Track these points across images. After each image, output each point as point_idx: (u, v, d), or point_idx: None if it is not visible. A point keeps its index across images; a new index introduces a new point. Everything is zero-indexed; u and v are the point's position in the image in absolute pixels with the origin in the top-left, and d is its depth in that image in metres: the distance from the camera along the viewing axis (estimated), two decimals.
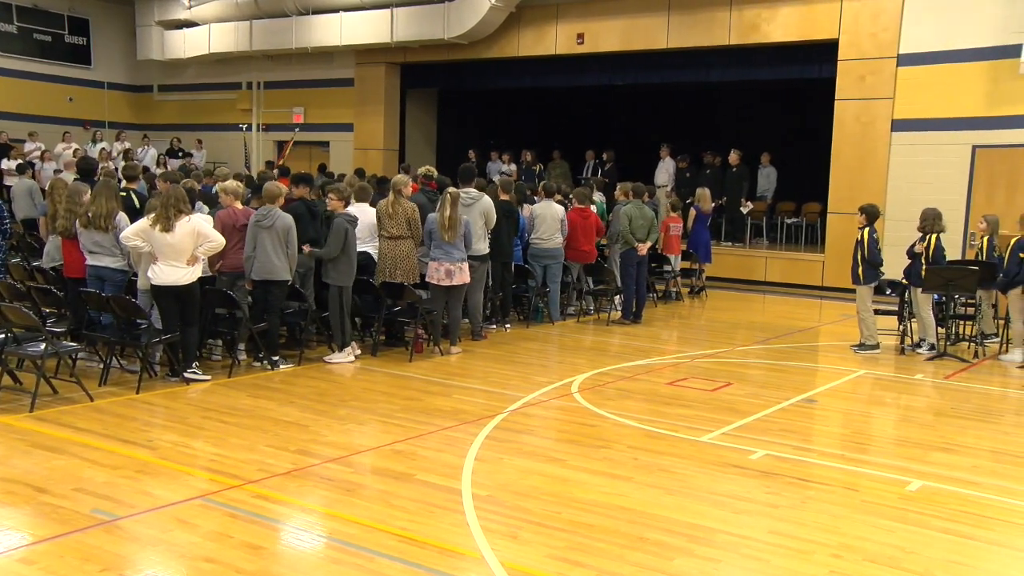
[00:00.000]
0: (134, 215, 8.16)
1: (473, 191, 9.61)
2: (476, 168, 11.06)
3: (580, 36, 16.54)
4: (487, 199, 9.64)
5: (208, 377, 7.67)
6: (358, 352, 8.65)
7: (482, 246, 9.49)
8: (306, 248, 8.33)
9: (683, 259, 13.40)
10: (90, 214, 7.74)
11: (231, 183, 8.60)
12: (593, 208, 11.54)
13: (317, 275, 8.73)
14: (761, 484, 5.42)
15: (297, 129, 19.43)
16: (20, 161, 16.04)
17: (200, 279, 7.56)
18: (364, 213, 9.05)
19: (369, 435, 6.35)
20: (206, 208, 8.81)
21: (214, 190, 9.78)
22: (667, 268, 12.96)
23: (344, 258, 8.31)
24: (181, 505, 4.85)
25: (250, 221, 7.96)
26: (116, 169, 13.54)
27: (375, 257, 9.09)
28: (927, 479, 5.60)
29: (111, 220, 7.73)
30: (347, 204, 8.85)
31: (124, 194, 8.63)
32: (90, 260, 7.91)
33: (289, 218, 7.94)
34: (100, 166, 12.78)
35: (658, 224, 11.43)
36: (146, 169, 15.43)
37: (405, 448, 5.98)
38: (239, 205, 8.27)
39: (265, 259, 7.88)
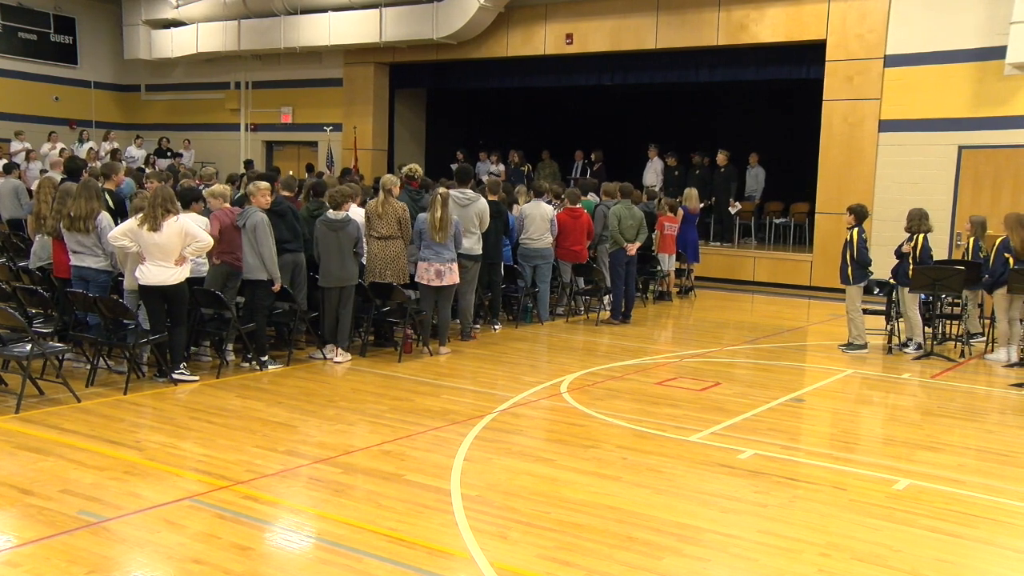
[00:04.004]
0: (111, 214, 8.14)
1: (469, 192, 9.64)
2: (471, 169, 11.05)
3: (569, 36, 16.56)
4: (483, 201, 9.65)
5: (196, 378, 7.64)
6: (331, 356, 8.63)
7: (475, 247, 9.50)
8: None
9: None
10: (71, 215, 7.70)
11: (218, 187, 8.61)
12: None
13: (309, 275, 8.72)
14: (749, 483, 5.44)
15: (329, 129, 19.39)
16: (6, 161, 15.92)
17: (188, 279, 7.53)
18: (351, 213, 9.01)
19: (358, 435, 6.33)
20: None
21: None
22: (657, 268, 12.98)
23: (323, 259, 8.38)
24: (169, 506, 4.83)
25: None
26: None
27: (363, 258, 9.05)
28: (914, 478, 5.63)
29: (91, 221, 7.69)
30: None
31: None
32: (74, 260, 7.87)
33: (258, 217, 7.92)
34: (88, 166, 12.71)
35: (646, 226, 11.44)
36: (141, 170, 15.37)
37: (394, 448, 5.97)
38: (227, 205, 8.25)
39: (245, 259, 7.93)
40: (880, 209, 13.43)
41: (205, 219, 7.97)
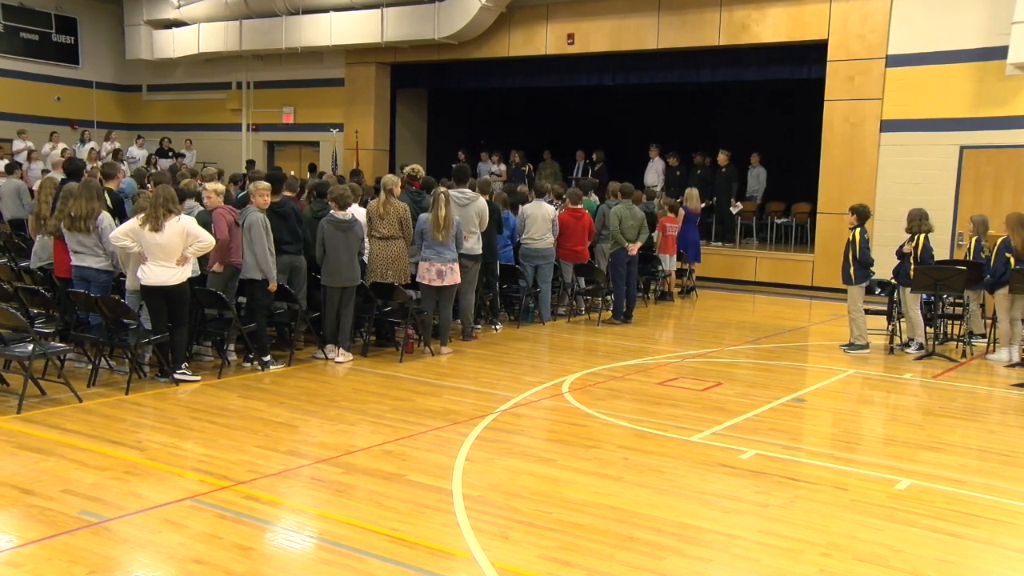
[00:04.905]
0: (110, 214, 8.16)
1: (469, 191, 9.64)
2: (469, 168, 11.06)
3: (570, 36, 16.55)
4: (482, 200, 9.66)
5: (198, 378, 7.64)
6: (333, 356, 8.63)
7: (475, 246, 9.50)
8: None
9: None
10: (72, 214, 7.70)
11: (216, 183, 8.61)
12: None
13: (310, 276, 8.71)
14: (751, 483, 5.44)
15: (335, 131, 19.41)
16: (8, 161, 15.94)
17: (190, 279, 7.53)
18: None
19: (359, 436, 6.34)
20: (198, 207, 8.76)
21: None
22: (660, 268, 12.98)
23: (330, 259, 8.36)
24: (170, 506, 4.84)
25: None
26: None
27: (364, 258, 9.06)
28: (915, 478, 5.63)
29: (92, 220, 7.70)
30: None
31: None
32: (74, 260, 7.88)
33: (254, 217, 7.93)
34: (89, 167, 12.71)
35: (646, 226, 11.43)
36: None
37: (395, 448, 5.97)
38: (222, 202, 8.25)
39: (245, 257, 7.96)
40: (882, 209, 13.43)
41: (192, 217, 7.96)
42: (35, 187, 10.41)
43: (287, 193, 9.08)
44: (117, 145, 19.29)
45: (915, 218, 9.58)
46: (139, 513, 4.73)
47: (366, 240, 8.90)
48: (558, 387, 7.83)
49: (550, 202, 11.37)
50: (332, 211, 8.50)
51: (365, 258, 8.95)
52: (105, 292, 7.81)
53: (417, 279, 9.02)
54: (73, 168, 9.41)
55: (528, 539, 4.52)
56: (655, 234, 12.69)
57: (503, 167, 18.01)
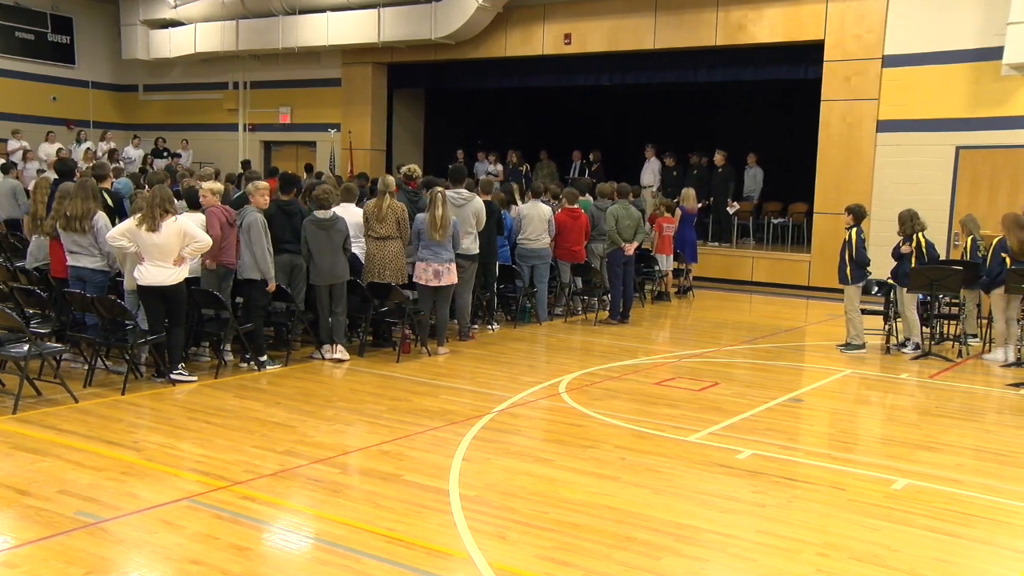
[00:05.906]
0: (110, 214, 8.14)
1: (465, 192, 9.64)
2: (465, 169, 11.07)
3: (567, 36, 16.56)
4: (479, 200, 9.66)
5: (194, 378, 7.63)
6: (329, 355, 8.61)
7: (472, 246, 9.49)
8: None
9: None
10: (68, 214, 7.69)
11: (214, 183, 8.58)
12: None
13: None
14: (748, 483, 5.44)
15: (333, 131, 19.39)
16: (3, 160, 15.91)
17: (187, 279, 7.52)
18: (349, 213, 9.02)
19: (356, 436, 6.33)
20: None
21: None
22: (657, 268, 12.99)
23: (315, 258, 8.37)
24: (167, 507, 4.83)
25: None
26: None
27: (361, 258, 9.06)
28: (912, 478, 5.64)
29: (88, 221, 7.68)
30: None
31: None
32: (70, 260, 7.87)
33: (253, 217, 7.93)
34: (84, 167, 12.68)
35: (643, 224, 11.45)
36: (143, 171, 15.28)
37: (392, 449, 5.97)
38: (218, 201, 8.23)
39: (242, 257, 7.95)
40: (878, 209, 13.44)
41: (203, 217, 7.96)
42: (30, 187, 10.36)
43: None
44: (113, 145, 19.25)
45: (906, 219, 9.62)
46: (135, 514, 4.72)
47: (361, 237, 8.87)
48: (555, 387, 7.83)
49: (547, 202, 11.37)
50: (314, 210, 8.51)
51: (359, 253, 8.94)
52: (101, 292, 7.80)
53: (414, 279, 9.02)
54: (64, 169, 9.37)
55: (525, 539, 4.52)
56: (648, 226, 12.70)
57: (500, 167, 18.01)
